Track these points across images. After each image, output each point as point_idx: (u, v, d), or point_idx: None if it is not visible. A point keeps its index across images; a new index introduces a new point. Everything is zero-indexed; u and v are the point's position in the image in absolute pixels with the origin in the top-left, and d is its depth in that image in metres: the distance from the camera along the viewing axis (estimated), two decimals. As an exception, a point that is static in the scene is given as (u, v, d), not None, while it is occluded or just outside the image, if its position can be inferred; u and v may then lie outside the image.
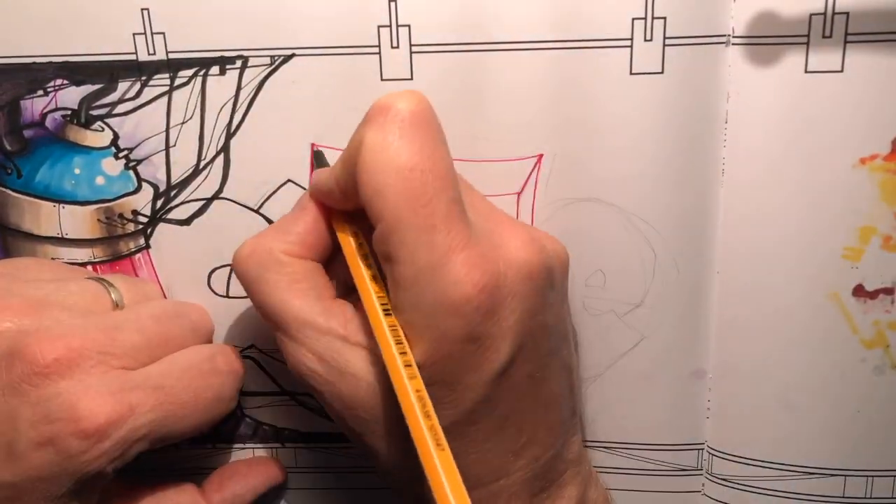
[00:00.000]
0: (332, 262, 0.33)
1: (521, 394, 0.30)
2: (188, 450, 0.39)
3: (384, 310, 0.29)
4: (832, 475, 0.36)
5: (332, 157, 0.34)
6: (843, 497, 0.37)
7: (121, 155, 0.35)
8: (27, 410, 0.29)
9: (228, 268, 0.37)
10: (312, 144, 0.35)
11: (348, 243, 0.31)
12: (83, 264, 0.37)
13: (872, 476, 0.36)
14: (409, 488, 0.31)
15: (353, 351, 0.30)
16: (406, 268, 0.27)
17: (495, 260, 0.28)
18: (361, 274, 0.30)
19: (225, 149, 0.35)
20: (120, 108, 0.35)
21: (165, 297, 0.37)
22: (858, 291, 0.34)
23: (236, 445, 0.40)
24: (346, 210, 0.31)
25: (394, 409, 0.28)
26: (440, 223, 0.27)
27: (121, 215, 0.36)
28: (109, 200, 0.36)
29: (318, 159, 0.34)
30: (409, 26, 0.33)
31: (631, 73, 0.32)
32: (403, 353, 0.27)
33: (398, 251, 0.27)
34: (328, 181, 0.31)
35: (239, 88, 0.34)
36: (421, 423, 0.25)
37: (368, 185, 0.27)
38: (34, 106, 0.35)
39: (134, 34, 0.34)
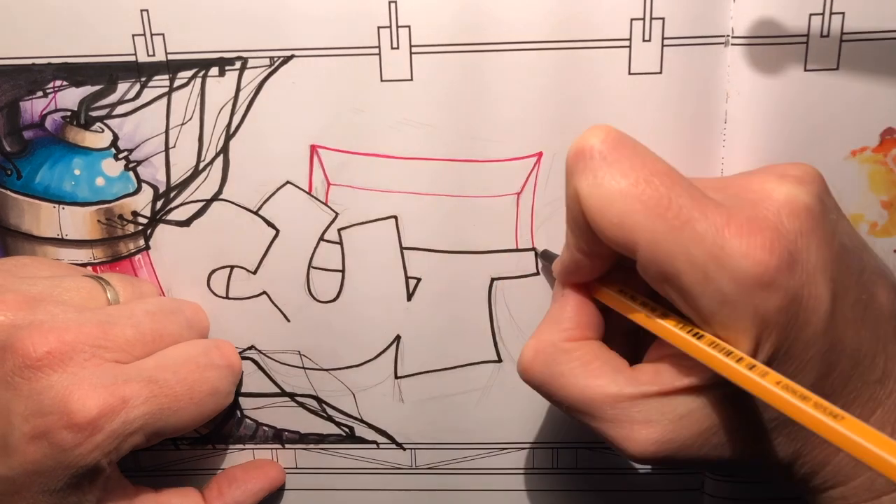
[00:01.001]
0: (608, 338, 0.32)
1: (858, 322, 0.28)
2: (189, 450, 0.39)
3: (694, 334, 0.27)
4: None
5: (335, 158, 0.35)
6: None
7: (120, 156, 0.35)
8: (20, 404, 0.29)
9: (228, 269, 0.37)
10: (312, 147, 0.35)
11: (619, 301, 0.30)
12: (83, 265, 0.37)
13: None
14: (819, 476, 0.29)
15: (675, 399, 0.28)
16: (688, 275, 0.26)
17: (764, 213, 0.26)
18: (649, 319, 0.29)
19: (224, 150, 0.35)
20: (119, 110, 0.35)
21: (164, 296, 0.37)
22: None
23: (236, 446, 0.40)
24: (599, 274, 0.31)
25: (745, 414, 0.28)
26: (692, 213, 0.26)
27: (121, 216, 0.36)
28: (109, 201, 0.36)
29: (545, 258, 0.35)
30: (409, 27, 0.33)
31: (629, 73, 0.32)
32: (740, 360, 0.26)
33: (671, 263, 0.26)
34: (570, 259, 0.30)
35: (238, 90, 0.34)
36: (804, 407, 0.24)
37: (608, 224, 0.26)
38: (34, 107, 0.35)
39: (133, 35, 0.34)
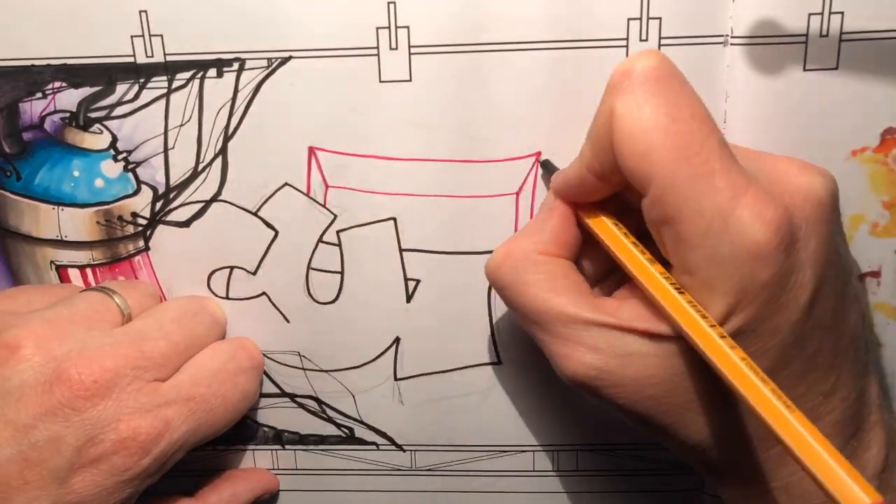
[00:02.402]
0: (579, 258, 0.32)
1: (827, 329, 0.28)
2: (190, 452, 0.39)
3: (676, 288, 0.27)
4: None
5: (333, 160, 0.34)
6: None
7: (119, 157, 0.35)
8: (71, 434, 0.29)
9: (228, 270, 0.37)
10: (310, 149, 0.35)
11: (611, 232, 0.30)
12: (82, 267, 0.37)
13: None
14: (733, 467, 0.29)
15: (629, 336, 0.28)
16: (692, 223, 0.26)
17: (780, 193, 0.26)
18: (636, 257, 0.29)
19: (223, 151, 0.35)
20: (118, 111, 0.35)
21: (164, 298, 0.37)
22: (847, 275, 0.34)
23: (237, 447, 0.40)
24: (597, 199, 0.31)
25: (700, 382, 0.27)
26: (718, 167, 0.26)
27: (120, 217, 0.36)
28: (108, 203, 0.36)
29: (546, 167, 0.34)
30: (407, 28, 0.33)
31: (627, 73, 0.32)
32: (713, 326, 0.26)
33: (680, 208, 0.26)
34: (577, 173, 0.30)
35: (236, 91, 0.34)
36: (762, 388, 0.24)
37: (632, 152, 0.26)
38: (33, 108, 0.35)
39: (132, 37, 0.34)
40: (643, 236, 0.29)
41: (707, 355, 0.25)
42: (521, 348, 0.37)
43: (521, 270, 0.30)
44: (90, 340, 0.31)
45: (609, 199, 0.30)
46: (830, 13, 0.31)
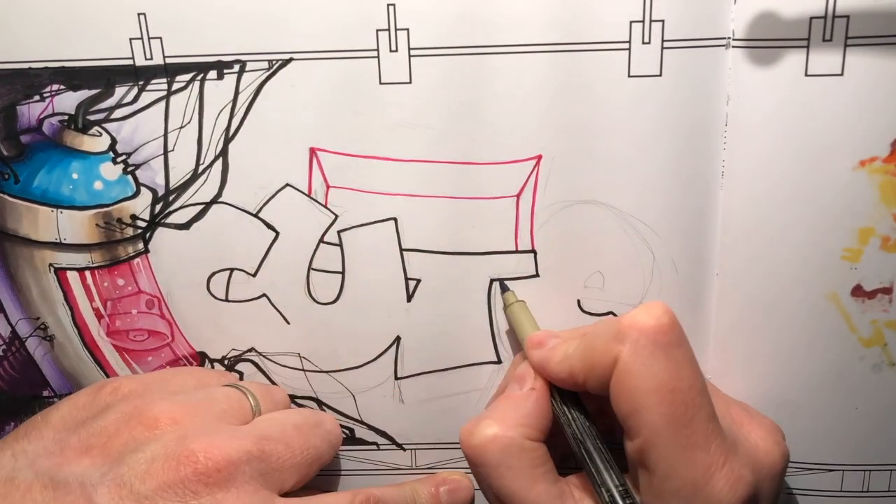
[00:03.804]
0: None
1: None
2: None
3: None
4: (830, 470, 0.37)
5: (333, 161, 0.34)
6: (841, 491, 0.37)
7: (119, 159, 0.35)
8: None
9: (228, 271, 0.37)
10: (312, 149, 0.35)
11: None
12: (81, 269, 0.37)
13: (869, 470, 0.36)
14: None
15: None
16: (666, 482, 0.28)
17: (751, 469, 0.29)
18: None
19: (223, 153, 0.35)
20: (117, 113, 0.35)
21: (167, 305, 0.37)
22: (857, 291, 0.34)
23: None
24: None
25: None
26: (701, 441, 0.28)
27: (119, 220, 0.36)
28: (108, 205, 0.36)
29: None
30: (407, 30, 0.33)
31: (629, 76, 0.32)
32: None
33: (657, 465, 0.28)
34: (560, 368, 0.32)
35: (237, 93, 0.34)
36: None
37: (629, 405, 0.29)
38: (31, 111, 0.35)
39: (131, 39, 0.33)
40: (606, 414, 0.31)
41: None
42: (520, 347, 0.37)
43: (509, 455, 0.31)
44: (220, 431, 0.32)
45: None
46: (834, 17, 0.31)
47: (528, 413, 0.32)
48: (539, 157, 0.34)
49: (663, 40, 0.32)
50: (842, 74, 0.31)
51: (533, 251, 0.36)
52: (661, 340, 0.29)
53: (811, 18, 0.31)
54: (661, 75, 0.32)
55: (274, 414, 0.35)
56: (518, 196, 0.35)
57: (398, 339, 0.37)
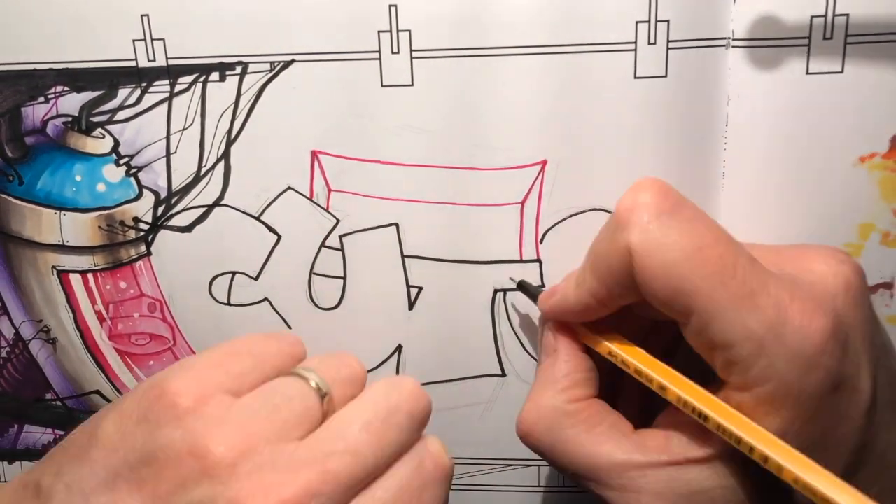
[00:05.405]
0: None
1: (890, 425, 0.27)
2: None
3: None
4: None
5: (336, 164, 0.34)
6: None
7: (122, 162, 0.35)
8: None
9: (230, 275, 0.36)
10: (313, 153, 0.34)
11: (640, 357, 0.29)
12: (84, 272, 0.37)
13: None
14: None
15: (688, 470, 0.27)
16: (743, 346, 0.25)
17: (822, 297, 0.26)
18: (676, 376, 0.28)
19: (225, 155, 0.35)
20: (120, 115, 0.35)
21: (169, 308, 0.37)
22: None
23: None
24: (594, 320, 0.30)
25: (759, 490, 0.27)
26: (756, 285, 0.25)
27: (122, 222, 0.36)
28: (110, 207, 0.36)
29: (524, 289, 0.34)
30: (409, 31, 0.32)
31: (635, 77, 0.32)
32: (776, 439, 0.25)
33: (729, 332, 0.25)
34: (578, 300, 0.29)
35: (239, 95, 0.34)
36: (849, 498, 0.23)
37: (665, 286, 0.26)
38: (35, 113, 0.35)
39: (134, 41, 0.33)
40: (647, 336, 0.29)
41: (787, 466, 0.24)
42: (524, 361, 0.36)
43: (558, 428, 0.29)
44: (276, 460, 0.26)
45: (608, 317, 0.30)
46: (835, 15, 0.30)
47: (562, 376, 0.30)
48: (544, 163, 0.33)
49: (668, 41, 0.31)
50: (842, 72, 0.31)
51: (538, 261, 0.35)
52: (665, 208, 0.26)
53: (812, 17, 0.30)
54: (666, 76, 0.31)
55: (341, 414, 0.28)
56: (522, 203, 0.34)
57: (399, 347, 0.37)
